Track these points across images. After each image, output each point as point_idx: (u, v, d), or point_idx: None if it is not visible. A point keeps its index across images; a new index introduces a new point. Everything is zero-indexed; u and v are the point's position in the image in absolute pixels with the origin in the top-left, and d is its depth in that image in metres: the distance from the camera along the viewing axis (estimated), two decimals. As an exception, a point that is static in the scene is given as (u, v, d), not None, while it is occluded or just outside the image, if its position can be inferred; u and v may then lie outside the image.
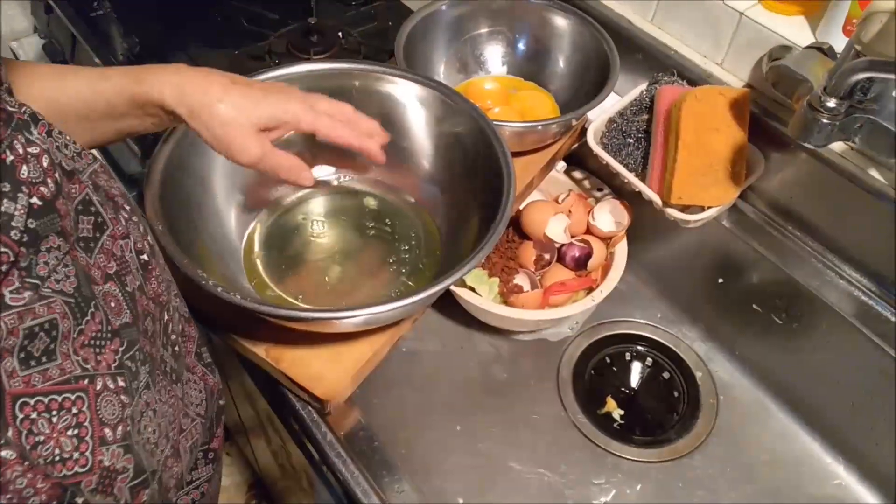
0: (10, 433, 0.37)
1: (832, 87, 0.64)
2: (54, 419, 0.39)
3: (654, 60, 0.92)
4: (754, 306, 0.91)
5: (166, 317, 0.53)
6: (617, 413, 0.91)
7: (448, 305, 0.93)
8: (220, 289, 0.58)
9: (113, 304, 0.45)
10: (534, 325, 0.93)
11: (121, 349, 0.45)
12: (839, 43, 0.77)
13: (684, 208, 0.84)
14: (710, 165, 0.82)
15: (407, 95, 0.78)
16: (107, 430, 0.42)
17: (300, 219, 0.81)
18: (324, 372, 0.67)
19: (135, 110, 0.56)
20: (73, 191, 0.44)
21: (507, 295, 0.90)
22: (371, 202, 0.82)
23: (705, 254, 0.94)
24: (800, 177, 0.84)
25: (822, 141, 0.67)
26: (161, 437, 0.49)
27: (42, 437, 0.39)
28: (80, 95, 0.54)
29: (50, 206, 0.40)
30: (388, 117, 0.79)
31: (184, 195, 0.70)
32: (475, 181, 0.75)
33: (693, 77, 0.89)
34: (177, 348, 0.55)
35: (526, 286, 0.92)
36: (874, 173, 0.77)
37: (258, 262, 0.75)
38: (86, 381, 0.41)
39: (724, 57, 0.88)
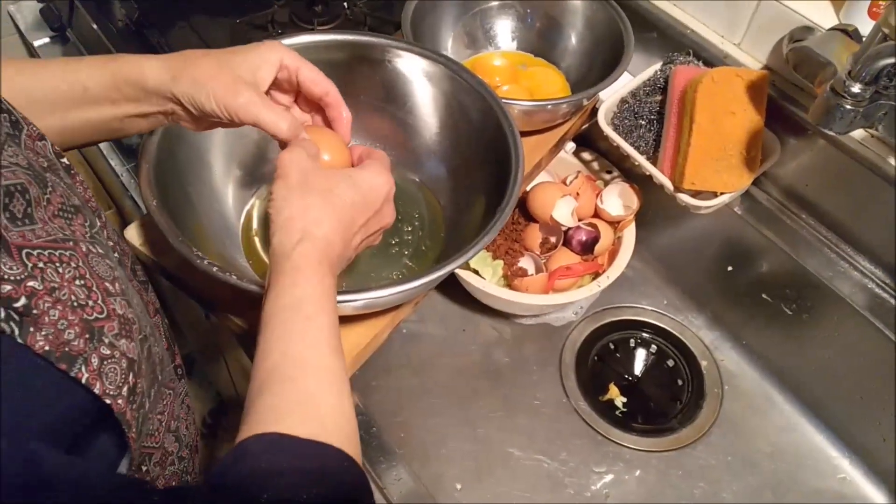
0: (26, 270, 0.37)
1: (857, 72, 0.61)
2: (60, 269, 0.40)
3: (670, 39, 0.89)
4: (763, 296, 0.89)
5: (99, 223, 0.53)
6: (619, 400, 0.90)
7: (451, 287, 0.91)
8: (215, 268, 0.56)
9: (61, 188, 0.46)
10: (538, 310, 0.91)
11: (86, 225, 0.47)
12: (864, 25, 0.74)
13: (696, 193, 0.81)
14: (725, 150, 0.79)
15: (413, 70, 0.75)
16: (107, 285, 0.43)
17: (301, 196, 0.78)
18: (322, 355, 0.65)
19: (111, 92, 0.54)
20: None
21: (512, 278, 0.88)
22: (374, 180, 0.80)
23: (715, 241, 0.92)
24: (816, 164, 0.81)
25: (844, 127, 0.65)
26: (141, 314, 0.50)
27: (56, 284, 0.39)
28: (55, 82, 0.53)
29: None
30: (393, 92, 0.76)
31: (180, 169, 0.67)
32: (482, 161, 0.73)
33: (709, 58, 0.86)
34: (116, 254, 0.55)
35: (531, 269, 0.90)
36: (893, 161, 0.75)
37: (256, 239, 0.73)
38: (71, 243, 0.43)
39: (742, 37, 0.85)
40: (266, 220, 0.74)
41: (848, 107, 0.63)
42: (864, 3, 0.74)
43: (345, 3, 1.04)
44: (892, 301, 0.78)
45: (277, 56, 0.57)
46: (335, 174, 0.53)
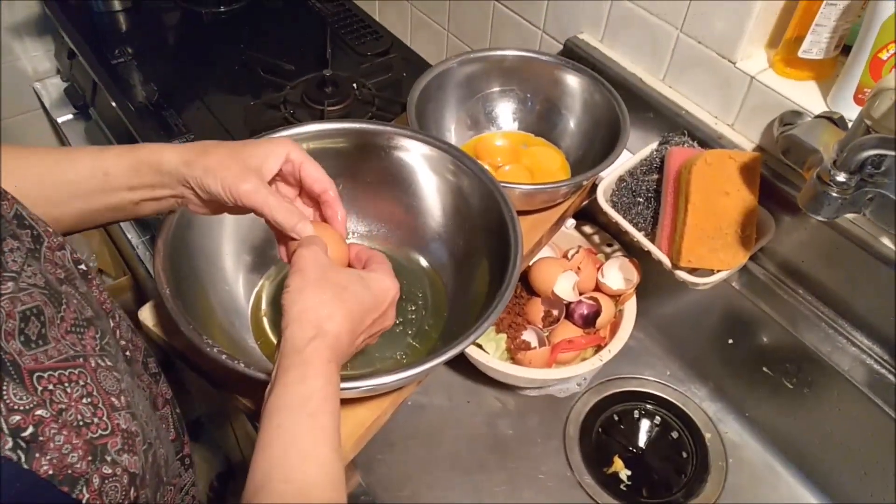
0: (36, 399, 0.40)
1: (842, 162, 0.64)
2: (68, 390, 0.43)
3: (665, 119, 0.92)
4: (764, 369, 0.90)
5: (112, 323, 0.56)
6: (624, 473, 0.90)
7: (455, 359, 0.91)
8: (224, 356, 0.59)
9: (75, 301, 0.49)
10: (541, 383, 0.93)
11: (97, 336, 0.49)
12: (850, 110, 0.77)
13: (693, 270, 0.83)
14: (720, 229, 0.81)
15: (416, 155, 0.78)
16: (113, 399, 0.46)
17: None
18: (326, 436, 0.66)
19: (131, 178, 0.57)
20: (5, 206, 0.49)
21: (515, 351, 0.90)
22: (379, 259, 0.83)
23: (714, 314, 0.94)
24: (811, 241, 0.83)
25: (831, 213, 0.67)
26: (147, 419, 0.53)
27: (63, 405, 0.42)
28: (84, 171, 0.57)
29: None
30: (398, 176, 0.80)
31: (193, 254, 0.70)
32: (483, 243, 0.76)
33: (704, 137, 0.89)
34: (128, 353, 0.58)
35: (533, 342, 0.91)
36: (886, 241, 0.77)
37: (265, 320, 0.75)
38: (81, 360, 0.46)
39: (735, 119, 0.88)
40: (274, 302, 0.77)
41: (834, 194, 0.65)
42: (851, 89, 0.77)
43: (354, 85, 1.09)
44: (891, 378, 0.79)
45: (284, 150, 0.60)
46: (350, 273, 0.55)
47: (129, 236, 1.14)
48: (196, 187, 0.57)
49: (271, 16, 1.30)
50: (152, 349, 0.65)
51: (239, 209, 0.58)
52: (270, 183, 0.60)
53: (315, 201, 0.64)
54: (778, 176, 0.83)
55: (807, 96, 0.81)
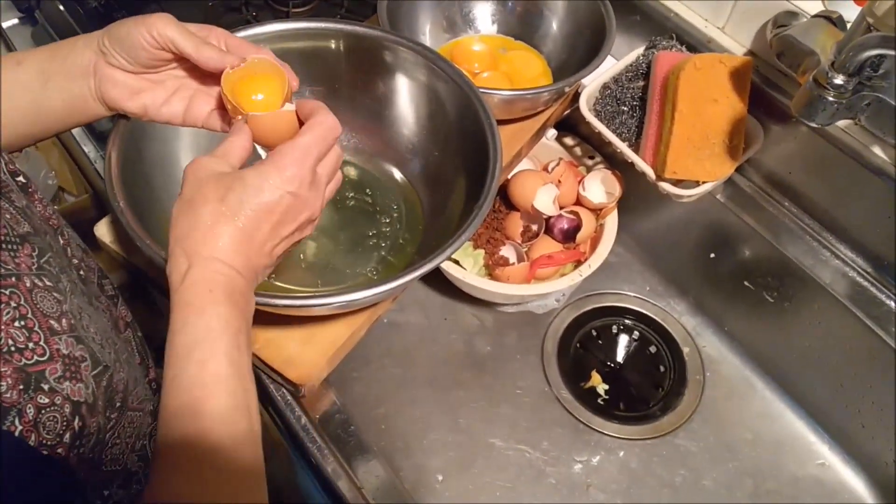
0: None
1: (840, 63, 0.60)
2: None
3: (653, 23, 0.87)
4: (745, 283, 0.88)
5: (62, 241, 0.52)
6: (601, 388, 0.89)
7: (431, 276, 0.89)
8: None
9: (8, 217, 0.45)
10: (519, 299, 0.91)
11: (34, 254, 0.46)
12: (849, 12, 0.73)
13: (678, 182, 0.80)
14: (707, 138, 0.78)
15: (390, 59, 0.73)
16: (52, 322, 0.42)
17: (276, 188, 0.77)
18: (298, 355, 0.64)
19: (42, 60, 0.54)
20: None
21: (493, 267, 0.87)
22: (351, 172, 0.78)
23: (697, 227, 0.92)
24: (800, 151, 0.80)
25: (826, 119, 0.64)
26: (104, 340, 0.49)
27: None
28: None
29: None
30: (368, 82, 0.75)
31: (147, 165, 0.66)
32: (460, 153, 0.72)
33: (693, 42, 0.84)
34: (81, 272, 0.54)
35: (512, 258, 0.89)
36: (878, 150, 0.74)
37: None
38: (13, 279, 0.42)
39: (726, 21, 0.83)
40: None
41: (830, 99, 0.62)
42: (850, -12, 0.73)
43: (321, -16, 1.01)
44: (873, 290, 0.78)
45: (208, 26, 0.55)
46: (228, 179, 0.46)
47: (87, 149, 1.08)
48: (108, 40, 0.53)
49: None
50: (114, 268, 0.61)
51: (157, 63, 0.54)
52: None
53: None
54: (769, 82, 0.80)
55: (803, -4, 0.76)
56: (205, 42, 0.52)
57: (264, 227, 0.46)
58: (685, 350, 0.93)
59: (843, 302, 0.78)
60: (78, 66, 0.54)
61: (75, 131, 1.11)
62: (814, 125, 0.64)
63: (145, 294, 1.14)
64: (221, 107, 0.56)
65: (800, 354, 0.86)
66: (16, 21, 1.25)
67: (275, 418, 0.69)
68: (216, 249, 0.44)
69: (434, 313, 0.93)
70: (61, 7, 1.05)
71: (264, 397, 0.68)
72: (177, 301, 0.43)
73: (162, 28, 0.51)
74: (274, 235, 0.47)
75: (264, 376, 0.68)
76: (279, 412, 0.67)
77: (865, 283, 0.78)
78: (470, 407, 0.86)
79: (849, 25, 0.69)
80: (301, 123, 0.51)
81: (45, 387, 0.40)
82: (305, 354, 0.64)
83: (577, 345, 0.93)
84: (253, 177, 0.46)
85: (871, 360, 0.78)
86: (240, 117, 0.51)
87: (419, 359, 0.89)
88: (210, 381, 0.41)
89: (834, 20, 0.69)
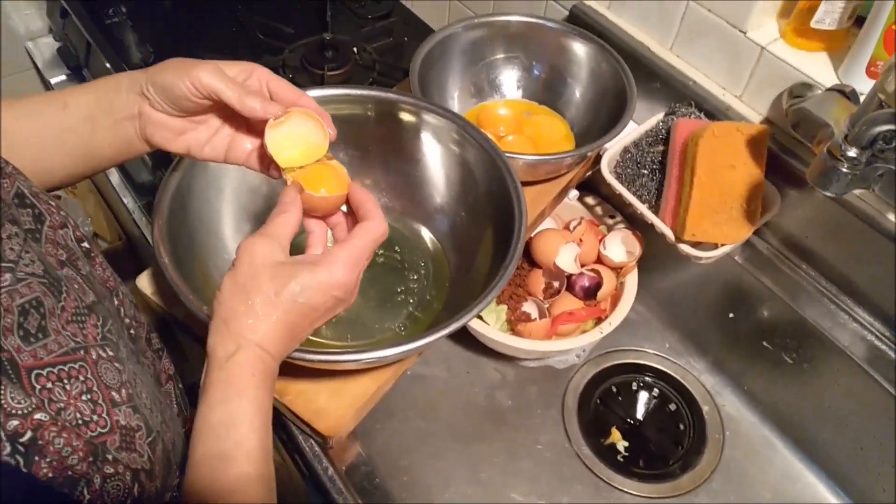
0: (34, 400, 0.39)
1: (853, 137, 0.63)
2: (67, 387, 0.42)
3: (672, 89, 0.91)
4: (764, 343, 0.90)
5: (116, 301, 0.55)
6: (621, 445, 0.90)
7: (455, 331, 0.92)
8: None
9: (76, 286, 0.48)
10: (540, 355, 0.92)
11: (99, 324, 0.48)
12: (862, 84, 0.76)
13: (697, 244, 0.82)
14: (725, 203, 0.80)
15: (421, 124, 0.77)
16: (113, 394, 0.45)
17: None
18: (327, 407, 0.66)
19: (89, 103, 0.56)
20: (6, 184, 0.47)
21: (515, 323, 0.89)
22: (381, 229, 0.81)
23: (716, 287, 0.93)
24: (816, 216, 0.82)
25: (841, 189, 0.66)
26: (153, 403, 0.52)
27: (62, 404, 0.41)
28: (45, 111, 0.55)
29: None
30: (400, 145, 0.78)
31: (191, 223, 0.69)
32: (486, 214, 0.75)
33: (711, 109, 0.87)
34: (132, 331, 0.57)
35: (534, 314, 0.91)
36: (891, 217, 0.76)
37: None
38: (82, 352, 0.45)
39: (743, 90, 0.86)
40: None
41: (844, 170, 0.64)
42: (863, 62, 0.76)
43: (354, 49, 1.06)
44: (892, 354, 0.79)
45: (251, 64, 0.57)
46: (286, 273, 0.49)
47: (126, 201, 1.13)
48: (153, 87, 0.54)
49: (269, -25, 1.27)
50: (152, 321, 0.64)
51: (200, 110, 0.56)
52: None
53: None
54: (785, 149, 0.82)
55: (818, 68, 0.79)
56: (248, 92, 0.54)
57: (306, 322, 0.50)
58: (705, 408, 0.93)
59: (861, 364, 0.80)
60: (123, 111, 0.56)
61: (115, 182, 1.17)
62: (829, 195, 0.66)
63: (172, 337, 1.18)
64: (261, 149, 0.58)
65: (819, 415, 0.87)
66: (63, 77, 1.32)
67: (301, 468, 0.71)
68: (263, 338, 0.48)
69: (457, 366, 0.95)
70: (108, 64, 1.11)
71: (293, 447, 0.70)
72: (218, 377, 0.47)
73: (206, 79, 0.53)
74: (311, 328, 0.52)
75: (293, 427, 0.70)
76: (307, 463, 0.69)
77: (884, 347, 0.79)
78: (491, 461, 0.87)
79: (862, 98, 0.72)
80: (347, 202, 0.56)
81: (109, 457, 0.42)
82: (334, 407, 0.67)
83: (598, 401, 0.94)
84: (307, 278, 0.49)
85: (890, 423, 0.79)
86: (287, 179, 0.54)
87: (442, 411, 0.91)
88: (242, 461, 0.45)
89: (847, 94, 0.72)
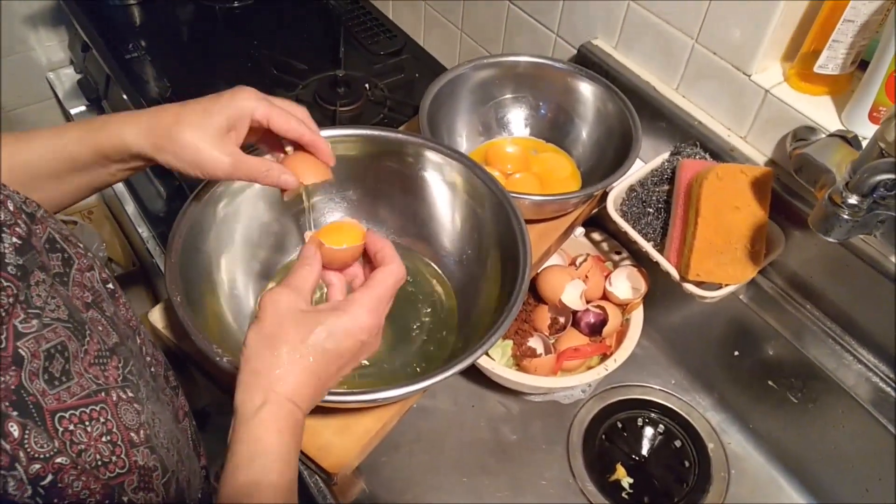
0: (56, 444, 0.41)
1: (854, 184, 0.64)
2: (88, 428, 0.44)
3: (678, 129, 0.92)
4: (769, 382, 0.90)
5: (139, 340, 0.57)
6: (626, 481, 0.90)
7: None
8: (234, 366, 0.59)
9: (100, 328, 0.50)
10: (546, 390, 0.93)
11: (120, 365, 0.49)
12: (864, 128, 0.77)
13: (701, 283, 0.83)
14: (730, 243, 0.81)
15: (429, 164, 0.78)
16: (132, 435, 0.47)
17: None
18: (332, 443, 0.67)
19: (99, 159, 0.57)
20: (38, 230, 0.49)
21: (521, 358, 0.90)
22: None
23: (721, 325, 0.94)
24: (820, 257, 0.83)
25: (842, 235, 0.67)
26: (170, 443, 0.53)
27: (83, 445, 0.43)
28: (46, 155, 0.56)
29: (28, 244, 0.46)
30: (408, 184, 0.80)
31: (203, 261, 0.71)
32: (492, 253, 0.76)
33: (716, 149, 0.88)
34: (152, 369, 0.58)
35: (539, 350, 0.92)
36: (895, 259, 0.76)
37: (274, 324, 0.76)
38: (103, 394, 0.46)
39: (748, 131, 0.87)
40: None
41: (845, 217, 0.65)
42: (866, 107, 0.77)
43: (366, 86, 1.08)
44: (895, 395, 0.79)
45: (249, 111, 0.60)
46: (311, 320, 0.49)
47: (140, 230, 1.15)
48: (167, 166, 0.58)
49: (284, 12, 1.30)
50: (163, 355, 0.65)
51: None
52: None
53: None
54: (789, 191, 0.83)
55: (821, 112, 0.80)
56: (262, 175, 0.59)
57: (333, 368, 0.50)
58: (710, 446, 0.93)
59: (865, 406, 0.80)
60: (134, 158, 0.59)
61: (130, 212, 1.19)
62: (831, 240, 0.67)
63: (183, 370, 1.19)
64: (265, 139, 0.64)
65: (824, 455, 0.86)
66: (83, 108, 1.35)
67: (307, 504, 0.71)
68: (291, 389, 0.47)
69: (462, 400, 0.96)
70: (125, 97, 1.13)
71: (298, 484, 0.70)
72: (246, 433, 0.46)
73: (211, 171, 0.58)
74: (338, 375, 0.51)
75: (299, 463, 0.71)
76: (311, 499, 0.70)
77: (887, 388, 0.80)
78: (495, 496, 0.88)
79: (864, 143, 0.73)
80: (364, 251, 0.59)
81: (125, 498, 0.44)
82: (339, 443, 0.68)
83: (603, 436, 0.94)
84: (333, 323, 0.50)
85: (892, 465, 0.79)
86: (307, 234, 0.57)
87: (447, 445, 0.92)
88: None
89: (849, 140, 0.73)
